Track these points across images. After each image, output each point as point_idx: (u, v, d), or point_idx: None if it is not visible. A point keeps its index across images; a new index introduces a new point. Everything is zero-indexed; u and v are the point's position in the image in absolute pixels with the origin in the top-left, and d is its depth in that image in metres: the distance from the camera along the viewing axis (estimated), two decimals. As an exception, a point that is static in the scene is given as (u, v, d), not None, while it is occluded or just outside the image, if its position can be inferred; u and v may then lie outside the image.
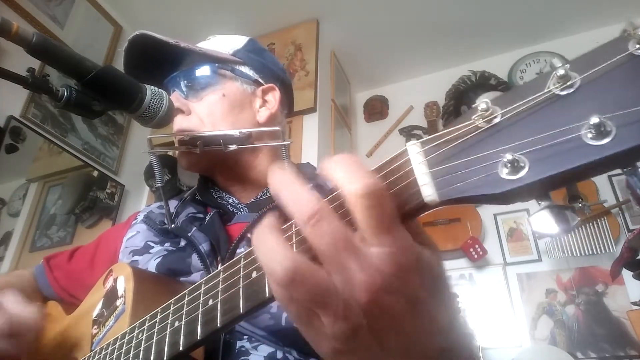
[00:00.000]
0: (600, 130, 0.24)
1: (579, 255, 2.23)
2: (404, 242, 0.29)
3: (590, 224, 2.25)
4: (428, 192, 0.30)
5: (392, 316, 0.30)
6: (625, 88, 0.24)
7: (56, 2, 2.31)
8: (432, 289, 0.31)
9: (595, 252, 2.20)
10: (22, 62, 0.71)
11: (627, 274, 2.02)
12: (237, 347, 0.62)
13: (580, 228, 2.25)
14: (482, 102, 0.30)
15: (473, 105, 0.30)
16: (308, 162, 0.95)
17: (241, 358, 0.61)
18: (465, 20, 2.76)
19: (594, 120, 0.24)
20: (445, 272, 0.34)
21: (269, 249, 0.31)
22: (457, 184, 0.30)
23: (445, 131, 0.31)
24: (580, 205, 2.21)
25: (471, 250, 2.41)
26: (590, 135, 0.25)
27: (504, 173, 0.27)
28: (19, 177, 2.06)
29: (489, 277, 2.43)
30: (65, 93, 0.58)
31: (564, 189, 2.28)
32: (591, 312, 2.18)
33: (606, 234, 2.21)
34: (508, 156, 0.27)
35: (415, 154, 0.32)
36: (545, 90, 0.27)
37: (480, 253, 2.41)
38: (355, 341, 0.31)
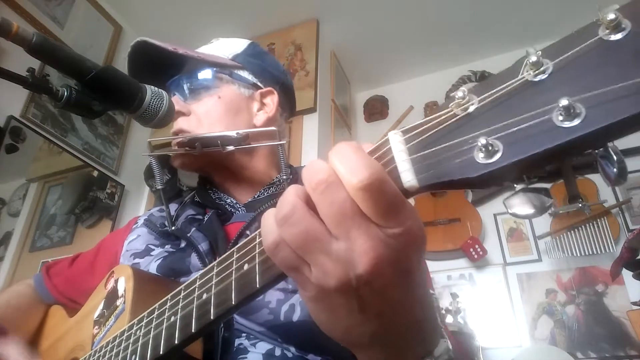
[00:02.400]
0: (570, 112, 0.25)
1: (579, 255, 2.22)
2: (411, 221, 0.30)
3: (590, 224, 2.24)
4: (408, 178, 0.31)
5: (385, 285, 0.31)
6: (595, 71, 0.25)
7: (56, 2, 2.32)
8: (419, 262, 0.33)
9: (595, 252, 2.19)
10: (22, 62, 0.71)
11: (627, 274, 2.02)
12: (235, 345, 0.62)
13: (580, 228, 2.25)
14: (460, 90, 0.30)
15: (451, 94, 0.31)
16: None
17: (239, 356, 0.61)
18: (465, 20, 2.77)
19: (564, 102, 0.25)
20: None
21: (283, 196, 0.33)
22: (434, 170, 0.30)
23: (425, 120, 0.32)
24: (580, 205, 2.21)
25: (471, 250, 2.41)
26: (560, 117, 0.25)
27: (480, 157, 0.28)
28: (19, 177, 2.06)
29: (489, 277, 2.43)
30: (65, 93, 0.58)
31: (564, 188, 2.28)
32: (591, 312, 2.18)
33: (606, 234, 2.20)
34: (482, 141, 0.28)
35: (397, 142, 0.33)
36: (519, 77, 0.28)
37: (480, 253, 2.41)
38: (338, 297, 0.32)
